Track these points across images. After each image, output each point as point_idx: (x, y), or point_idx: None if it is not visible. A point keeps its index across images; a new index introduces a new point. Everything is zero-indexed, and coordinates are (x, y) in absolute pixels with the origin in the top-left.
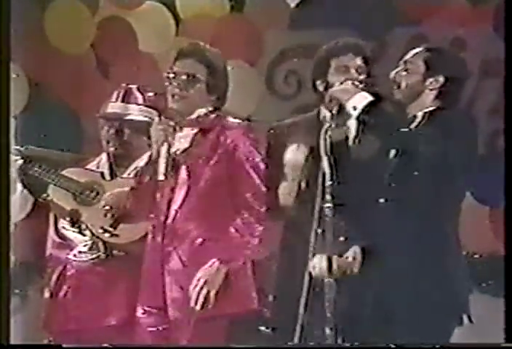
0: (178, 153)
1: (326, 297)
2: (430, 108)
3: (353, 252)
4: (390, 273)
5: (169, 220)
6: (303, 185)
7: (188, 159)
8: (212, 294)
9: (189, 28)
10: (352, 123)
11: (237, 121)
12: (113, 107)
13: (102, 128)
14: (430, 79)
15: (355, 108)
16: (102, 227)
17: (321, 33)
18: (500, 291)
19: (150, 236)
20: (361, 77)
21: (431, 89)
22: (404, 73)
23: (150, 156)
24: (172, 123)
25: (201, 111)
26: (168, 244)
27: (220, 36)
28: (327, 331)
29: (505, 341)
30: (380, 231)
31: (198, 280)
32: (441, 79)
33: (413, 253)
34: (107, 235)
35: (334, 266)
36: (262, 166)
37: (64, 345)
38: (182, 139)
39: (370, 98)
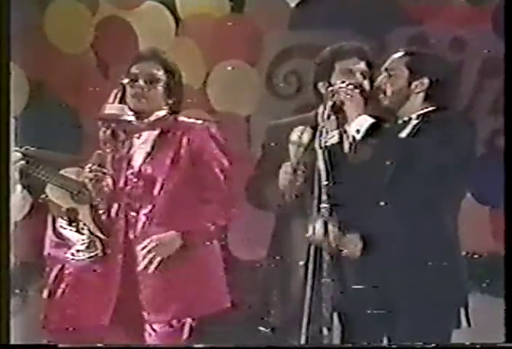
0: (141, 158)
1: (324, 297)
2: (424, 110)
3: (354, 236)
4: (390, 272)
5: (139, 226)
6: (302, 167)
7: (152, 163)
8: (157, 259)
9: (189, 28)
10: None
11: (199, 121)
12: (111, 108)
13: (100, 129)
14: (415, 82)
15: (358, 131)
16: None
17: (321, 33)
18: (500, 291)
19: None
20: (365, 81)
21: (418, 92)
22: (388, 79)
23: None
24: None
25: (159, 114)
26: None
27: (220, 36)
28: (325, 331)
29: (505, 341)
30: (378, 232)
31: (149, 242)
32: (426, 81)
33: (412, 252)
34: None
35: (331, 235)
36: (228, 165)
37: (64, 346)
38: (143, 145)
39: (371, 120)
